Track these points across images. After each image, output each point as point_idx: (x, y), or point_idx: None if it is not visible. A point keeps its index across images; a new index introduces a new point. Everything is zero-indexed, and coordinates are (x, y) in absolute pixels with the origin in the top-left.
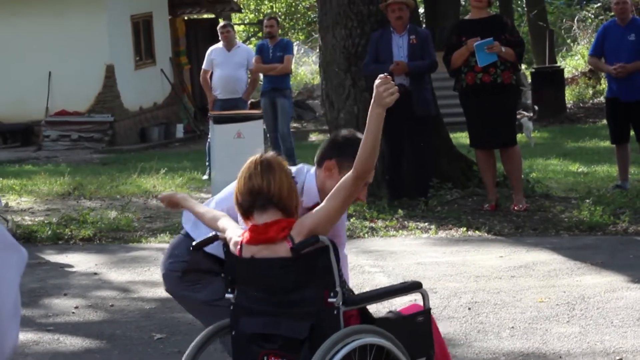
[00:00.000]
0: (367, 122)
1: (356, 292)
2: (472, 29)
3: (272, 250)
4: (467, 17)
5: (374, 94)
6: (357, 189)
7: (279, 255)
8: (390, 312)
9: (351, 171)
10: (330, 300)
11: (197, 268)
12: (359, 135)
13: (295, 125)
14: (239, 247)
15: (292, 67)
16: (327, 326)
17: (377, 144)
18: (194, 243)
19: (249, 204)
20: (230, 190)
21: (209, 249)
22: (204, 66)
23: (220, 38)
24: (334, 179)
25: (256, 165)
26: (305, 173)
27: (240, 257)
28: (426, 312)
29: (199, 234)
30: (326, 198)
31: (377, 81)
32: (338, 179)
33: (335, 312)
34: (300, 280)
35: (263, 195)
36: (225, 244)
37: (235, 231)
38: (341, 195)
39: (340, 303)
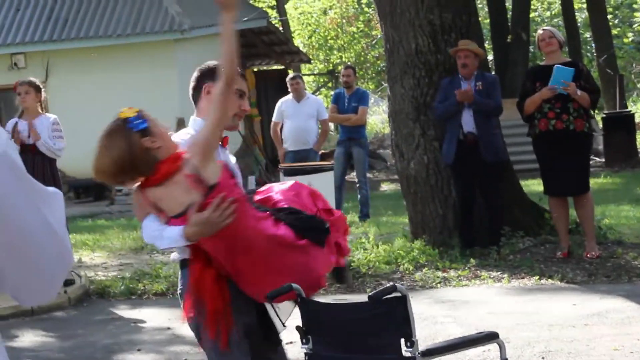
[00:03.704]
0: (221, 32)
1: (429, 343)
2: (547, 74)
3: (170, 190)
4: (542, 63)
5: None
6: (229, 96)
7: (180, 194)
8: None
9: (219, 81)
10: (406, 349)
11: None
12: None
13: (367, 175)
14: (138, 190)
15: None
16: None
17: (232, 49)
18: (267, 294)
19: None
20: None
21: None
22: (274, 118)
23: (289, 90)
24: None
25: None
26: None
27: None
28: None
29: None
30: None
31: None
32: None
33: None
34: (376, 327)
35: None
36: (299, 295)
37: None
38: (218, 104)
39: (417, 353)
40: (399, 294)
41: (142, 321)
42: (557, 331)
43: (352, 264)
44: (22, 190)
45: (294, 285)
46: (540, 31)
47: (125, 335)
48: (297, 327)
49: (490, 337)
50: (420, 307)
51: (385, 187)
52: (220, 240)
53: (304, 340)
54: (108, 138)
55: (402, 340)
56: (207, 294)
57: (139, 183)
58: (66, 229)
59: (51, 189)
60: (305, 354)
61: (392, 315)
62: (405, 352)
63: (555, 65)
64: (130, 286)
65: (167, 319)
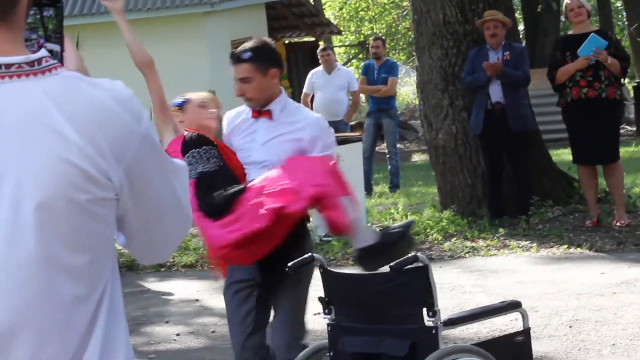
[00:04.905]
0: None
1: (457, 312)
2: (576, 44)
3: None
4: (570, 33)
5: None
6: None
7: None
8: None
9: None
10: (429, 319)
11: None
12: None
13: (397, 145)
14: None
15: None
16: (425, 345)
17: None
18: (290, 264)
19: None
20: None
21: None
22: (304, 90)
23: (320, 61)
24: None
25: None
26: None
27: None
28: (525, 331)
29: None
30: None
31: None
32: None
33: (433, 332)
34: (398, 297)
35: None
36: (321, 266)
37: None
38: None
39: (439, 323)
40: (420, 264)
41: (171, 293)
42: (586, 300)
43: None
44: (160, 168)
45: (316, 255)
46: (568, 0)
47: (153, 307)
48: (320, 298)
49: (512, 306)
50: (449, 276)
51: (417, 157)
52: None
53: (326, 311)
54: None
55: (424, 310)
56: None
57: None
58: (189, 198)
59: (179, 162)
60: (328, 324)
61: (414, 285)
62: (428, 321)
63: (592, 34)
64: None
65: (196, 291)
